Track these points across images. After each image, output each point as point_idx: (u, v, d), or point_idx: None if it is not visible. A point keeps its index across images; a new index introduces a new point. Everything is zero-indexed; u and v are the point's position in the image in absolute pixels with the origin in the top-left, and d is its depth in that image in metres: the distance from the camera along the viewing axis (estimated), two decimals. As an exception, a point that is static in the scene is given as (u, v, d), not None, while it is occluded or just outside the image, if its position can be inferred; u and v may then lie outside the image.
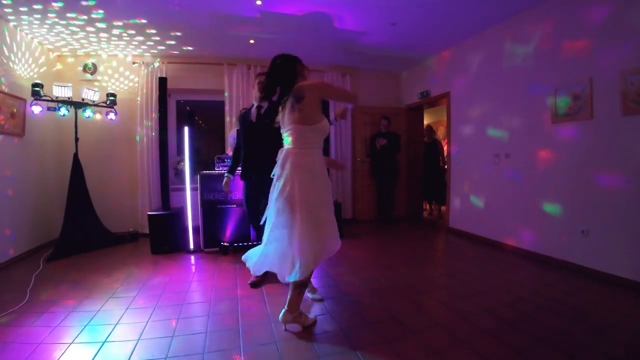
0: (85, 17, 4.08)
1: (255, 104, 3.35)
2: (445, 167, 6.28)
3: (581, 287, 3.11)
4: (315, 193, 2.31)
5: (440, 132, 8.90)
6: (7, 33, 4.09)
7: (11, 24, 4.14)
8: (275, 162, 2.44)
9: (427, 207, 7.47)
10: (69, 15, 4.00)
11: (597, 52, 3.35)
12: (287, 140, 2.38)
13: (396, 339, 2.28)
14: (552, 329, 2.37)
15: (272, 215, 2.39)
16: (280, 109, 2.42)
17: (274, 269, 2.39)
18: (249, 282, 3.30)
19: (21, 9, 3.81)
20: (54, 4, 3.73)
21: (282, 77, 2.34)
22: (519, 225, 4.23)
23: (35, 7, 3.76)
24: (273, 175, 2.41)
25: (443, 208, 6.60)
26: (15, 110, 4.18)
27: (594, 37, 3.36)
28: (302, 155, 2.30)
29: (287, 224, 2.32)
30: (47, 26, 4.27)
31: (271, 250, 2.40)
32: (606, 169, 3.29)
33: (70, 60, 5.31)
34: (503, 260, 3.97)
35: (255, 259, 2.47)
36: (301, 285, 2.38)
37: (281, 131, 2.46)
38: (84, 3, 3.76)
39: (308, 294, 2.93)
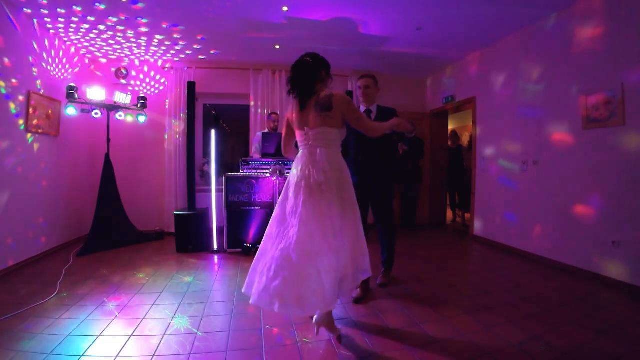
0: (121, 26, 4.27)
1: (364, 108, 3.26)
2: (469, 171, 6.16)
3: (612, 301, 2.99)
4: (349, 189, 2.33)
5: (465, 138, 8.76)
6: (43, 38, 4.30)
7: (48, 27, 4.34)
8: (379, 167, 2.85)
9: (451, 214, 7.34)
10: (102, 25, 4.20)
11: (628, 57, 3.23)
12: (312, 140, 2.30)
13: (418, 346, 2.25)
14: (580, 343, 2.28)
15: (308, 220, 2.15)
16: (296, 109, 2.38)
17: (302, 300, 2.03)
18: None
19: (60, 19, 4.03)
20: (89, 18, 3.93)
21: (302, 78, 2.33)
22: (547, 235, 4.10)
23: (73, 19, 3.98)
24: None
25: (467, 215, 6.47)
26: (50, 111, 4.38)
27: (626, 41, 3.24)
28: (331, 153, 2.31)
29: (332, 228, 2.15)
30: (82, 32, 4.46)
31: (304, 270, 2.06)
32: (639, 177, 3.16)
33: (103, 64, 5.53)
34: (530, 271, 3.85)
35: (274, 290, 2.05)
36: None
37: (300, 131, 2.36)
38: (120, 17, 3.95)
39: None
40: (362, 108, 3.27)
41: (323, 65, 2.39)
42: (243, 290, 2.25)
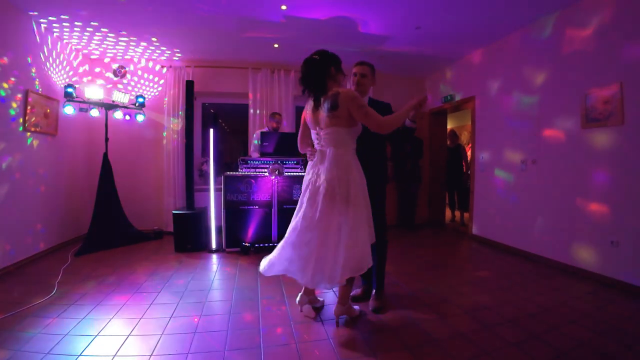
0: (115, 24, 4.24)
1: None
2: (469, 172, 6.16)
3: (611, 300, 2.99)
4: (356, 190, 2.34)
5: (464, 137, 8.76)
6: (41, 36, 4.27)
7: (46, 26, 4.32)
8: (374, 162, 2.69)
9: (450, 213, 7.32)
10: (99, 22, 4.17)
11: (627, 57, 3.23)
12: (322, 140, 2.41)
13: (417, 346, 2.24)
14: (579, 342, 2.28)
15: (307, 215, 2.41)
16: (310, 108, 2.45)
17: (302, 274, 2.38)
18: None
19: (55, 17, 4.01)
20: (81, 13, 3.90)
21: (311, 76, 2.36)
22: (546, 234, 4.10)
23: (63, 16, 3.95)
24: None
25: (466, 215, 6.47)
26: (48, 110, 4.35)
27: (625, 41, 3.24)
28: (340, 154, 2.36)
29: (327, 224, 2.32)
30: (79, 31, 4.45)
31: (302, 254, 2.39)
32: (638, 176, 3.16)
33: (101, 63, 5.50)
34: (529, 270, 3.85)
35: (275, 263, 2.50)
36: (351, 280, 2.44)
37: (313, 130, 2.49)
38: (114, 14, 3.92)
39: (305, 305, 2.75)
40: None
41: (332, 62, 2.40)
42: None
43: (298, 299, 2.71)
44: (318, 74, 2.34)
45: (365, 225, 2.35)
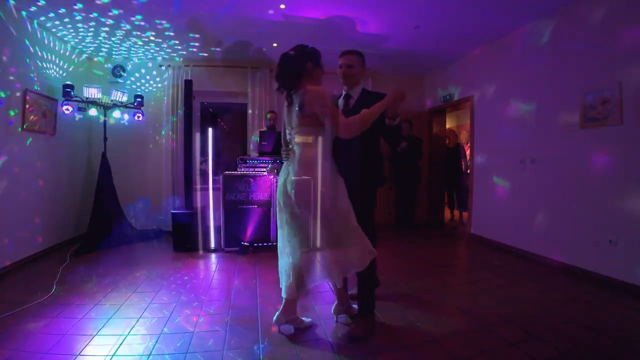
0: (113, 22, 4.23)
1: (344, 92, 2.62)
2: (468, 171, 6.16)
3: (609, 299, 2.99)
4: (330, 192, 2.20)
5: (463, 137, 8.76)
6: (39, 36, 4.26)
7: (42, 26, 4.30)
8: (366, 162, 2.43)
9: (449, 213, 7.32)
10: (100, 20, 4.15)
11: (627, 57, 3.23)
12: (294, 141, 2.28)
13: (416, 345, 2.24)
14: (578, 342, 2.28)
15: (290, 223, 2.32)
16: (286, 106, 2.31)
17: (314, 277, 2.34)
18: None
19: (50, 15, 3.99)
20: (75, 6, 3.84)
21: (285, 72, 2.22)
22: (545, 234, 4.10)
23: (60, 11, 3.92)
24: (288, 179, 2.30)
25: (465, 214, 6.47)
26: (47, 110, 4.34)
27: (624, 40, 3.24)
28: (308, 155, 2.21)
29: (307, 228, 2.24)
30: (77, 30, 4.43)
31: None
32: (636, 176, 3.16)
33: (100, 62, 5.49)
34: (528, 270, 3.85)
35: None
36: (345, 279, 2.41)
37: (286, 130, 2.37)
38: (116, 11, 3.92)
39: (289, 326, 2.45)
40: (342, 92, 2.65)
41: (309, 57, 2.22)
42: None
43: (275, 318, 2.38)
44: (292, 70, 2.18)
45: (352, 217, 2.24)
